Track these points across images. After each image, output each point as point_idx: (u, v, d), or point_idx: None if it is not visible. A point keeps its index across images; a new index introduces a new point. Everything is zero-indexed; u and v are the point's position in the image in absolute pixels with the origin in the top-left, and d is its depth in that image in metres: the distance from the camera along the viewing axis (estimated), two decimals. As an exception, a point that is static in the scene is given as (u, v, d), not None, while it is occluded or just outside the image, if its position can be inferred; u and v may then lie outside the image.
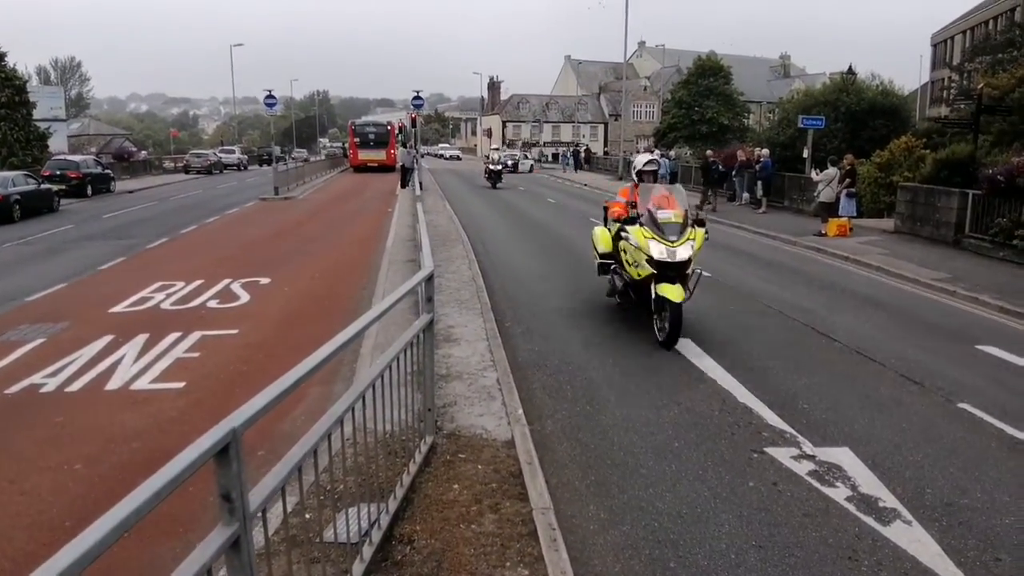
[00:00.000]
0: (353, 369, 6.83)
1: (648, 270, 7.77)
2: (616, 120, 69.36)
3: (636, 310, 8.70)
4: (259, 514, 2.42)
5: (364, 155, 46.46)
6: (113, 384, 6.70)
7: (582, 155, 54.49)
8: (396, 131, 47.15)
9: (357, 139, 47.29)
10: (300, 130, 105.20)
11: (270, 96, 32.91)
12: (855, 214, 17.74)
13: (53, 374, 6.93)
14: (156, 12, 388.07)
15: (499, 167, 34.53)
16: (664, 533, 4.17)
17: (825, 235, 16.47)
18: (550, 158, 66.20)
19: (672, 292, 7.54)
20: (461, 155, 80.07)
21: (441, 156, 78.51)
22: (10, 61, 31.68)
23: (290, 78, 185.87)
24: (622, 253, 8.47)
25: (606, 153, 65.46)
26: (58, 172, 27.09)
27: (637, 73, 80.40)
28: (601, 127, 78.39)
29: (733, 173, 25.54)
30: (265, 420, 2.49)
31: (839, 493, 4.63)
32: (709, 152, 26.30)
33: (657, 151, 35.80)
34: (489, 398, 6.10)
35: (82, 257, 14.03)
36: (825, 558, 3.93)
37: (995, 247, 13.89)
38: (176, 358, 7.47)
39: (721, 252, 14.91)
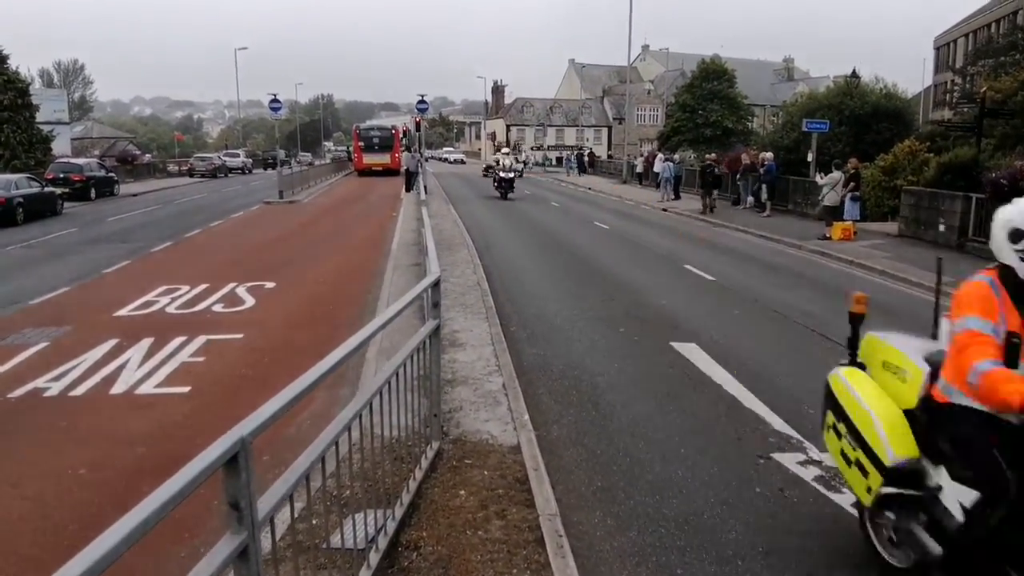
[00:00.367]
0: (358, 373, 6.80)
1: None
2: (620, 124, 69.42)
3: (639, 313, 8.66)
4: (266, 522, 2.41)
5: (369, 159, 46.58)
6: (117, 388, 6.68)
7: (586, 159, 54.57)
8: (401, 135, 47.25)
9: (362, 143, 47.40)
10: (305, 134, 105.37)
11: (274, 100, 32.96)
12: (859, 218, 17.69)
13: (57, 378, 6.91)
14: (159, 17, 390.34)
15: (511, 175, 29.16)
16: (671, 539, 4.15)
17: (829, 239, 16.44)
18: (554, 161, 66.32)
19: None
20: (465, 159, 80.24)
21: (445, 160, 78.82)
22: (13, 64, 31.88)
23: (295, 82, 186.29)
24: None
25: (610, 157, 65.51)
26: (61, 175, 27.08)
27: (641, 77, 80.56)
28: (605, 131, 78.49)
29: (737, 176, 25.55)
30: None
31: (846, 499, 4.59)
32: (708, 156, 26.31)
33: (661, 155, 35.89)
34: (495, 403, 6.08)
35: (86, 260, 14.03)
36: (833, 565, 3.91)
37: (999, 251, 13.83)
38: (181, 362, 7.45)
39: (725, 256, 14.90)
